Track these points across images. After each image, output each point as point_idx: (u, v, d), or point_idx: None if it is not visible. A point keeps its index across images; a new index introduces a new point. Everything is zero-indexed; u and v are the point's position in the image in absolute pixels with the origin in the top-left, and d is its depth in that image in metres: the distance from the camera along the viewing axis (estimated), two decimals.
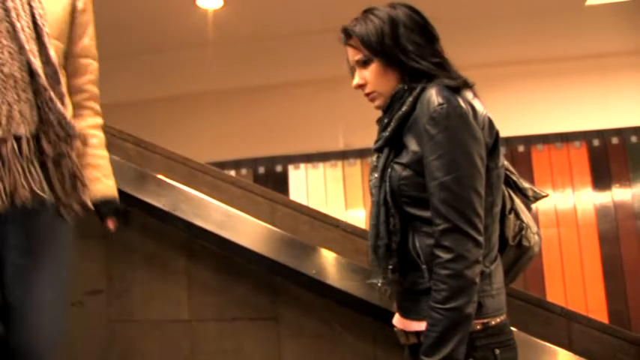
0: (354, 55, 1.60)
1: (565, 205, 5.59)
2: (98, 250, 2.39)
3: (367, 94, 1.62)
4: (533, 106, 5.63)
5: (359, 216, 5.63)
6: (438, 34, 1.62)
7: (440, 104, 1.45)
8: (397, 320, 1.62)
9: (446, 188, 1.43)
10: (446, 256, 1.42)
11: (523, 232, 1.69)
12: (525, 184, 1.80)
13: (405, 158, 1.52)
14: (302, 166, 5.95)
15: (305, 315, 2.20)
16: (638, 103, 5.54)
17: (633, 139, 5.62)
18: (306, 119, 5.72)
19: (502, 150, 1.60)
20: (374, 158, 1.64)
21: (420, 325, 1.48)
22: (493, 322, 1.49)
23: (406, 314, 1.57)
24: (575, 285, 5.39)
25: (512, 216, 1.69)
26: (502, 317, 1.52)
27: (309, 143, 5.71)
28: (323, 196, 5.87)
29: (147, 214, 2.30)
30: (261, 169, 6.00)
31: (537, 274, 5.45)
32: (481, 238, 1.44)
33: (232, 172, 5.68)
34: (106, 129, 2.42)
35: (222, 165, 5.41)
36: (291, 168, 5.98)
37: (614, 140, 5.64)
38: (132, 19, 4.63)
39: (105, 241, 2.38)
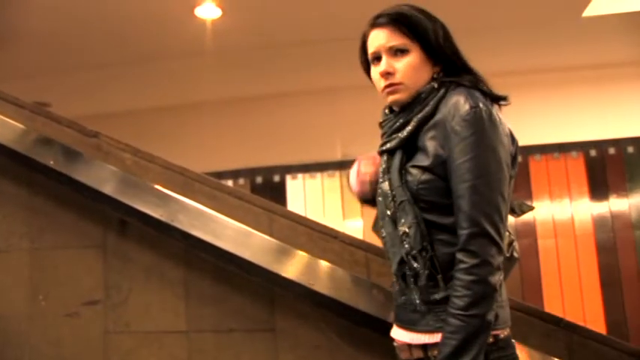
0: (389, 41, 1.55)
1: (562, 215, 5.60)
2: (95, 261, 2.38)
3: (390, 85, 1.56)
4: (531, 117, 5.64)
5: (357, 226, 5.63)
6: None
7: (473, 107, 1.44)
8: (398, 334, 1.59)
9: (477, 191, 1.40)
10: (471, 261, 1.39)
11: (514, 244, 1.68)
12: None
13: (425, 161, 1.49)
14: (300, 176, 5.96)
15: (303, 326, 2.19)
16: (635, 114, 5.57)
17: (630, 149, 5.64)
18: (304, 129, 5.73)
19: None
20: (383, 161, 1.59)
21: (432, 337, 1.47)
22: (502, 335, 1.48)
23: (413, 326, 1.53)
24: (573, 295, 5.39)
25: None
26: (509, 329, 1.52)
27: (307, 153, 5.72)
28: (320, 206, 5.87)
29: (144, 224, 2.29)
30: (259, 179, 6.00)
31: (535, 285, 5.45)
32: (503, 246, 1.42)
33: (230, 182, 5.68)
34: (104, 138, 2.43)
35: (220, 175, 5.42)
36: (288, 178, 5.98)
37: (612, 150, 5.66)
38: (130, 29, 4.64)
39: (102, 252, 2.37)
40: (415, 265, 1.47)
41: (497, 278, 1.40)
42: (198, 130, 6.00)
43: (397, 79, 1.55)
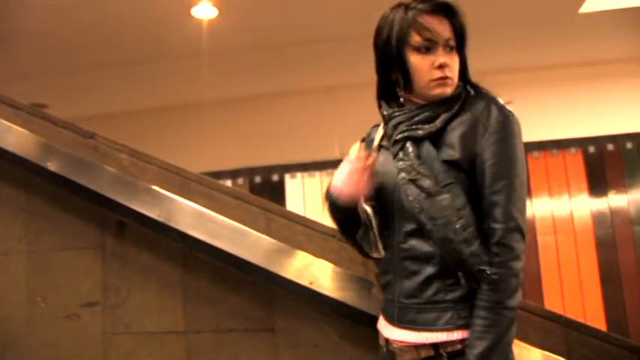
0: (450, 35, 1.56)
1: (561, 211, 5.60)
2: (93, 262, 2.37)
3: (445, 77, 1.55)
4: (529, 113, 5.59)
5: None
6: None
7: (508, 113, 1.53)
8: (400, 335, 1.57)
9: (514, 188, 1.47)
10: (508, 255, 1.44)
11: None
12: None
13: (454, 155, 1.51)
14: (298, 175, 5.95)
15: (302, 325, 2.19)
16: (634, 110, 5.56)
17: (629, 145, 5.64)
18: (303, 128, 5.73)
19: None
20: (408, 146, 1.55)
21: (450, 335, 1.48)
22: None
23: (425, 326, 1.52)
24: (573, 292, 5.39)
25: None
26: None
27: (306, 152, 5.71)
28: (320, 205, 5.85)
29: (141, 225, 2.28)
30: (258, 179, 6.00)
31: (534, 281, 5.45)
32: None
33: (229, 182, 5.67)
34: (100, 139, 2.42)
35: (219, 175, 5.41)
36: (287, 177, 5.98)
37: (610, 147, 5.66)
38: (126, 29, 4.63)
39: (100, 253, 2.37)
40: (470, 248, 1.45)
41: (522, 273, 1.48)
42: (196, 130, 5.99)
43: (451, 73, 1.56)
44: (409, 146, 1.54)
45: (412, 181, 1.52)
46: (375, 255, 1.64)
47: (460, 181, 1.49)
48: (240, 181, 6.00)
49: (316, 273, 2.09)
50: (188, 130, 5.99)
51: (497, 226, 1.45)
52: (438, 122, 1.53)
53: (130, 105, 5.85)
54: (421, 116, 1.55)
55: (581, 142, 5.65)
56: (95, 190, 2.30)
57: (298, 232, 2.20)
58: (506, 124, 1.51)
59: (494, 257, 1.44)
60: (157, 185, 2.29)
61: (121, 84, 5.52)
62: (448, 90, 1.56)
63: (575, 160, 5.66)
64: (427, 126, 1.54)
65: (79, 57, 5.01)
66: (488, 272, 1.43)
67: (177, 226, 2.20)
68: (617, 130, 5.59)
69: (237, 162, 5.90)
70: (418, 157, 1.53)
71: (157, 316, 2.32)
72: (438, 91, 1.55)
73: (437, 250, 1.49)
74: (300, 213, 2.33)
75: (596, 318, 5.13)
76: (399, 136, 1.57)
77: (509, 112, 1.54)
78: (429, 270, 1.51)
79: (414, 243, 1.54)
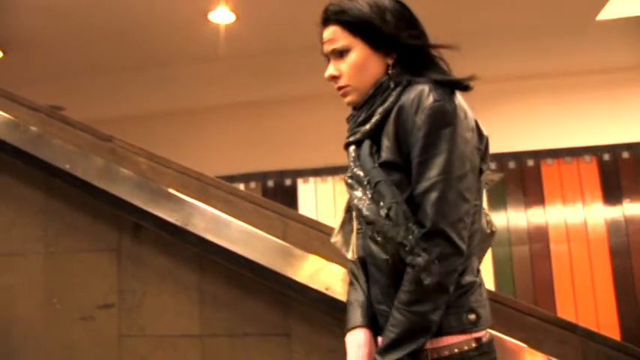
0: (331, 43, 1.51)
1: (575, 219, 5.57)
2: (110, 265, 2.39)
3: (340, 88, 1.53)
4: (543, 121, 5.63)
5: None
6: (426, 31, 1.54)
7: (436, 100, 1.39)
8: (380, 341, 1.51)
9: (436, 190, 1.36)
10: (424, 258, 1.35)
11: (489, 219, 1.65)
12: None
13: (390, 156, 1.44)
14: (311, 179, 5.95)
15: (317, 330, 2.18)
16: None
17: None
18: (316, 133, 5.73)
19: None
20: (351, 151, 1.52)
21: (433, 342, 1.43)
22: (485, 339, 1.45)
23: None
24: (586, 301, 5.36)
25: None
26: (489, 331, 1.49)
27: (319, 157, 5.71)
28: (332, 210, 5.87)
29: (159, 228, 2.29)
30: (270, 183, 6.01)
31: (547, 290, 5.42)
32: (464, 246, 1.38)
33: (241, 186, 5.69)
34: (119, 143, 2.44)
35: (232, 178, 5.43)
36: (300, 182, 5.98)
37: (625, 154, 5.63)
38: (143, 33, 4.66)
39: (116, 255, 2.38)
40: (406, 246, 1.38)
41: (450, 280, 1.37)
42: (210, 134, 6.02)
43: (343, 81, 1.51)
44: (351, 150, 1.52)
45: (348, 184, 1.51)
46: (347, 256, 1.62)
47: (398, 181, 1.42)
48: (252, 185, 6.02)
49: (331, 278, 2.09)
50: (202, 133, 6.01)
51: (419, 229, 1.37)
52: (369, 124, 1.48)
53: (145, 108, 5.89)
54: (359, 119, 1.52)
55: (595, 150, 5.62)
56: (113, 193, 2.31)
57: (314, 237, 2.20)
58: (436, 114, 1.38)
59: (413, 259, 1.36)
60: (175, 189, 2.30)
61: (138, 87, 5.56)
62: (350, 98, 1.53)
63: (589, 168, 5.63)
64: (362, 128, 1.50)
65: (95, 60, 5.05)
66: (405, 272, 1.38)
67: (194, 230, 2.20)
68: (632, 138, 5.56)
69: (250, 166, 5.91)
70: (357, 158, 1.49)
71: (173, 319, 2.32)
72: (345, 102, 1.56)
73: (389, 256, 1.43)
74: (314, 218, 2.33)
75: (610, 327, 5.09)
76: (346, 141, 1.56)
77: (443, 99, 1.40)
78: (386, 278, 1.47)
79: (374, 248, 1.48)
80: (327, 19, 1.53)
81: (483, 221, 1.59)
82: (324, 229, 2.24)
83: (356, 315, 1.56)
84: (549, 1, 4.23)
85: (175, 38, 4.69)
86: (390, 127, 1.44)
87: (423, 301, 1.36)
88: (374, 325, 1.54)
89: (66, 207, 2.47)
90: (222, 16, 4.33)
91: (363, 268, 1.58)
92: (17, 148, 2.47)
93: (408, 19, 1.52)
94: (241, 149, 5.91)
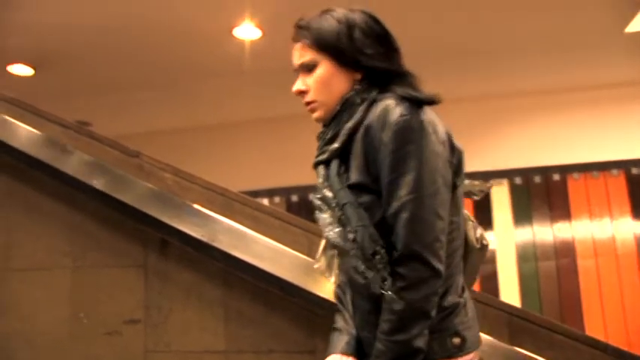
0: (298, 58, 1.49)
1: (603, 234, 5.49)
2: (136, 280, 2.40)
3: (307, 104, 1.50)
4: (569, 135, 5.57)
5: None
6: (398, 46, 1.50)
7: (402, 115, 1.33)
8: None
9: (408, 210, 1.30)
10: (400, 284, 1.28)
11: (480, 233, 1.59)
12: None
13: (359, 178, 1.38)
14: None
15: None
16: None
17: None
18: None
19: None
20: (319, 171, 1.47)
21: None
22: None
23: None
24: (616, 318, 5.26)
25: (467, 215, 1.58)
26: (478, 353, 1.41)
27: None
28: None
29: (184, 244, 2.30)
30: (295, 198, 6.01)
31: (575, 306, 5.34)
32: (441, 267, 1.30)
33: (266, 201, 5.70)
34: (146, 159, 2.46)
35: (256, 194, 5.44)
36: None
37: None
38: (168, 49, 4.70)
39: (143, 271, 2.39)
40: (367, 275, 1.32)
41: (431, 303, 1.30)
42: (235, 149, 6.04)
43: (310, 97, 1.49)
44: (320, 169, 1.47)
45: (317, 205, 1.45)
46: (330, 281, 1.57)
47: (369, 204, 1.35)
48: (277, 200, 6.02)
49: None
50: (227, 148, 6.04)
51: (393, 252, 1.31)
52: (337, 143, 1.43)
53: (171, 124, 5.93)
54: (327, 137, 1.47)
55: (623, 164, 5.54)
56: (139, 209, 2.32)
57: None
58: (402, 130, 1.32)
59: (391, 286, 1.29)
60: (201, 205, 2.30)
61: (163, 103, 5.60)
62: (317, 114, 1.50)
63: (617, 182, 5.56)
64: (330, 147, 1.45)
65: (122, 77, 5.11)
66: (383, 301, 1.31)
67: (220, 245, 2.21)
68: None
69: (274, 181, 5.91)
70: (326, 179, 1.44)
71: (198, 335, 2.32)
72: (313, 117, 1.52)
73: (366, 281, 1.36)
74: None
75: None
76: (315, 160, 1.50)
77: (409, 113, 1.34)
78: (366, 302, 1.41)
79: (352, 273, 1.42)
80: (297, 35, 1.50)
81: (471, 236, 1.54)
82: None
83: (340, 342, 1.48)
84: (577, 15, 4.20)
85: (201, 54, 4.72)
86: (357, 145, 1.39)
87: (404, 329, 1.28)
88: (360, 353, 1.46)
89: (93, 222, 2.49)
90: (247, 32, 4.35)
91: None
92: (45, 163, 2.50)
93: (377, 35, 1.47)
94: (265, 164, 5.93)
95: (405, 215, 1.30)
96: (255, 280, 2.21)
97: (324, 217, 1.41)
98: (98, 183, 2.39)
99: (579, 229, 5.49)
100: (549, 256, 5.48)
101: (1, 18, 4.17)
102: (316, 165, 1.49)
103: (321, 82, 1.47)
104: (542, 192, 5.61)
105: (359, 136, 1.39)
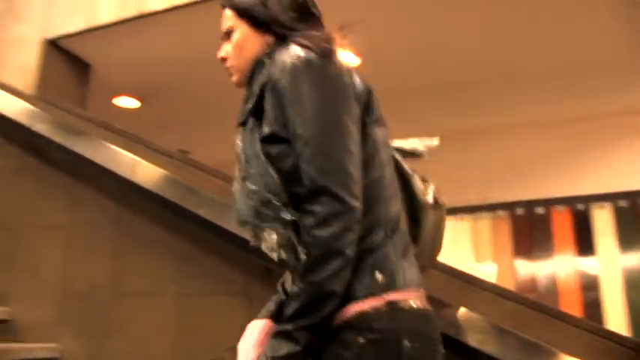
0: (223, 25, 1.56)
1: None
2: (240, 308, 2.41)
3: (227, 69, 1.56)
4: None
5: (489, 270, 5.45)
6: (318, 12, 1.54)
7: (298, 58, 1.34)
8: None
9: (310, 145, 1.27)
10: (309, 221, 1.23)
11: (433, 190, 1.55)
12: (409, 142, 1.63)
13: (267, 129, 1.37)
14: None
15: None
16: None
17: None
18: (439, 173, 5.62)
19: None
20: (239, 134, 1.47)
21: (356, 306, 1.26)
22: (405, 305, 1.27)
23: None
24: None
25: (416, 175, 1.54)
26: (416, 298, 1.30)
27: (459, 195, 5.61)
28: (451, 250, 5.74)
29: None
30: None
31: None
32: (355, 202, 1.24)
33: None
34: None
35: None
36: None
37: None
38: None
39: (247, 300, 2.40)
40: (264, 220, 1.32)
41: (346, 240, 1.22)
42: None
43: (229, 62, 1.55)
44: (240, 130, 1.46)
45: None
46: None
47: (278, 153, 1.33)
48: None
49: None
50: None
51: (300, 190, 1.27)
52: (250, 102, 1.44)
53: None
54: (245, 98, 1.48)
55: None
56: (244, 237, 2.33)
57: (456, 286, 2.12)
58: (297, 71, 1.33)
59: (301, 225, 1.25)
60: None
61: None
62: (234, 78, 1.55)
63: None
64: (245, 107, 1.46)
65: (221, 105, 5.21)
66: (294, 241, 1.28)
67: None
68: None
69: None
70: (242, 138, 1.43)
71: None
72: (232, 82, 1.57)
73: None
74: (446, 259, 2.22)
75: None
76: (236, 123, 1.49)
77: (299, 56, 1.34)
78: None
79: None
80: (222, 5, 1.58)
81: (420, 192, 1.52)
82: (463, 277, 2.16)
83: (267, 309, 1.50)
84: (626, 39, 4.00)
85: None
86: (267, 99, 1.38)
87: (315, 269, 1.21)
88: None
89: (198, 249, 2.54)
90: (346, 60, 4.36)
91: None
92: (152, 192, 2.57)
93: (293, 2, 1.51)
94: None
95: (308, 151, 1.27)
96: None
97: (235, 173, 1.43)
98: (204, 211, 2.43)
99: None
100: None
101: (108, 53, 4.37)
102: (238, 127, 1.49)
103: (236, 47, 1.53)
104: None
105: (267, 90, 1.39)
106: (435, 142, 1.67)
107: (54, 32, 4.23)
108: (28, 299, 2.98)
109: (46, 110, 3.23)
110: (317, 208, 1.23)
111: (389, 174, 1.42)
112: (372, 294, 1.26)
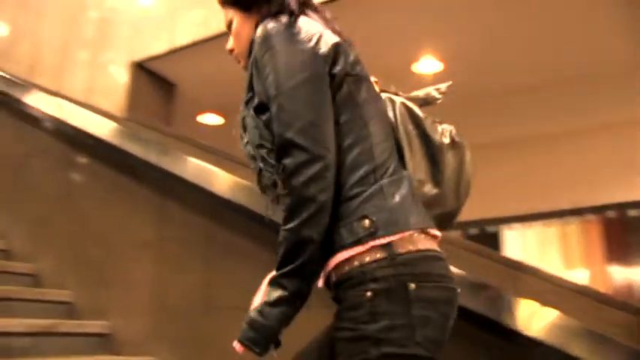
0: (226, 19, 1.63)
1: None
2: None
3: (235, 57, 1.63)
4: None
5: (580, 277, 5.28)
6: None
7: (264, 29, 1.42)
8: None
9: (275, 104, 1.35)
10: (283, 174, 1.31)
11: (448, 128, 1.54)
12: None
13: (257, 100, 1.43)
14: (516, 226, 5.75)
15: None
16: None
17: None
18: (520, 179, 5.50)
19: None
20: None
21: (344, 254, 1.30)
22: (400, 249, 1.26)
23: None
24: None
25: (430, 118, 1.54)
26: (417, 240, 1.30)
27: (525, 203, 5.46)
28: (539, 256, 5.61)
29: None
30: (473, 230, 5.87)
31: None
32: (322, 151, 1.28)
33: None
34: None
35: None
36: (504, 228, 5.80)
37: None
38: None
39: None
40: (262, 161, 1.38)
41: (317, 188, 1.27)
42: None
43: (235, 52, 1.62)
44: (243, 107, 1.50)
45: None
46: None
47: (267, 120, 1.39)
48: (453, 233, 5.88)
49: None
50: None
51: (271, 146, 1.36)
52: (247, 79, 1.49)
53: None
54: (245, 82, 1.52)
55: None
56: None
57: (548, 291, 2.05)
58: (262, 41, 1.41)
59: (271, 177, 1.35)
60: None
61: None
62: (241, 65, 1.62)
63: None
64: (246, 85, 1.50)
65: None
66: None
67: None
68: None
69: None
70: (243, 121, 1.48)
71: None
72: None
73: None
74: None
75: None
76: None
77: (267, 26, 1.42)
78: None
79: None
80: (219, 3, 1.65)
81: (430, 131, 1.51)
82: (556, 281, 2.09)
83: None
84: None
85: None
86: (253, 73, 1.46)
87: (291, 216, 1.27)
88: None
89: None
90: (428, 66, 4.35)
91: None
92: (240, 205, 2.61)
93: None
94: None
95: (274, 110, 1.35)
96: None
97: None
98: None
99: None
100: None
101: (192, 72, 4.48)
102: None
103: (236, 34, 1.61)
104: None
105: (252, 65, 1.46)
106: (445, 86, 1.66)
107: (140, 55, 4.38)
108: (124, 314, 3.07)
109: (136, 130, 3.33)
110: (286, 160, 1.31)
111: (372, 115, 1.43)
112: (358, 241, 1.29)
